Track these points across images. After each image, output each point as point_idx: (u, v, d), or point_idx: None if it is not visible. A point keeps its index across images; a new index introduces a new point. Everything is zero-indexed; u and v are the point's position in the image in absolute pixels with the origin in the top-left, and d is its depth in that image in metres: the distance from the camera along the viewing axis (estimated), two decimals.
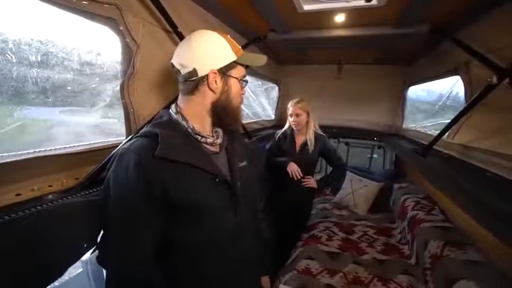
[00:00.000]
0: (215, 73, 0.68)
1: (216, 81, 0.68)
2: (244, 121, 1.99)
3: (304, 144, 1.85)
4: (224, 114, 0.72)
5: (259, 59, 0.76)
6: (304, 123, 1.82)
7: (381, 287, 1.45)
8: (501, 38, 1.04)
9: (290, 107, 1.82)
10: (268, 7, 1.31)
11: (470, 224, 1.46)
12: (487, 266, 1.21)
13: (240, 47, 0.73)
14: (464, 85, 1.35)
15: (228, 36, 0.72)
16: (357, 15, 1.39)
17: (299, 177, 1.78)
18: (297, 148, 1.86)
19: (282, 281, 1.50)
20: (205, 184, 0.66)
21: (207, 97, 0.70)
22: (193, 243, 0.67)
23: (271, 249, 1.01)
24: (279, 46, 2.03)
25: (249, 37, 1.74)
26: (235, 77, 0.71)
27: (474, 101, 1.06)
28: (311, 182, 1.86)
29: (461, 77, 1.38)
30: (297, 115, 1.79)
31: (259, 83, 2.65)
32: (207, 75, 0.67)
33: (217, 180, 0.68)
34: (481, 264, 1.22)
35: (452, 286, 1.15)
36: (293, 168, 1.77)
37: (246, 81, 0.76)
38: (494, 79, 0.92)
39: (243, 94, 0.77)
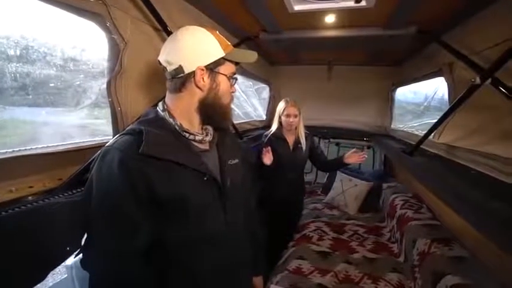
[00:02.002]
0: (202, 70, 0.66)
1: (203, 79, 0.66)
2: (235, 121, 1.98)
3: (297, 143, 1.87)
4: (213, 112, 0.70)
5: (250, 56, 0.75)
6: (298, 122, 1.84)
7: (371, 285, 1.46)
8: (484, 40, 1.07)
9: (286, 108, 1.81)
10: (259, 7, 1.32)
11: (455, 221, 1.50)
12: (471, 261, 1.24)
13: (229, 43, 0.71)
14: (448, 86, 1.39)
15: (217, 32, 0.70)
16: (346, 16, 1.41)
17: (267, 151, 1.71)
18: (291, 147, 1.87)
19: (273, 281, 1.50)
20: (192, 182, 0.65)
21: (194, 95, 0.68)
22: (181, 242, 0.65)
23: (263, 249, 1.00)
24: (271, 46, 2.04)
25: (241, 37, 1.73)
26: (223, 74, 0.70)
27: (458, 101, 1.09)
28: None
29: (445, 78, 1.42)
30: (295, 116, 1.80)
31: (250, 83, 2.65)
32: (193, 72, 0.66)
33: (205, 178, 0.66)
34: (465, 259, 1.25)
35: (438, 282, 1.17)
36: (264, 153, 1.72)
37: (236, 79, 0.75)
38: (478, 80, 0.95)
39: (233, 92, 0.75)
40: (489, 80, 0.90)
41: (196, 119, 0.70)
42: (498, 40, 0.98)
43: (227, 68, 0.70)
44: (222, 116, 0.73)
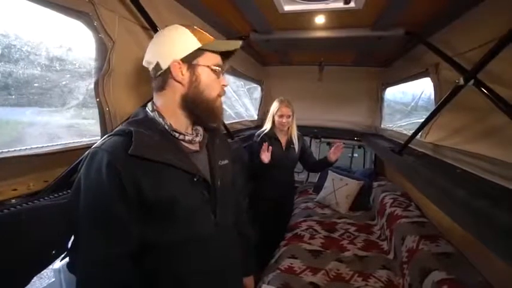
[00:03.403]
0: (178, 63, 0.65)
1: (181, 72, 0.65)
2: (227, 121, 1.98)
3: (289, 143, 1.89)
4: (195, 107, 0.68)
5: (232, 44, 0.70)
6: (291, 122, 1.86)
7: (362, 283, 1.49)
8: (468, 42, 1.11)
9: (280, 108, 1.82)
10: (249, 7, 1.32)
11: (442, 218, 1.55)
12: (456, 256, 1.28)
13: (208, 35, 0.69)
14: (434, 86, 1.43)
15: (195, 27, 0.69)
16: (336, 17, 1.43)
17: (267, 149, 1.70)
18: (283, 147, 1.88)
19: (265, 280, 1.50)
20: (182, 183, 0.64)
21: (176, 91, 0.67)
22: (170, 244, 0.64)
23: (254, 250, 1.01)
24: (262, 46, 2.04)
25: (231, 37, 1.73)
26: (203, 65, 0.67)
27: (443, 101, 1.12)
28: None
29: (431, 79, 1.46)
30: (288, 116, 1.82)
31: (242, 83, 2.65)
32: (170, 67, 0.65)
33: (195, 179, 0.66)
34: (451, 255, 1.29)
35: (426, 277, 1.21)
36: (264, 150, 1.70)
37: (221, 68, 0.70)
38: (461, 80, 0.97)
39: (224, 85, 0.71)
40: (472, 81, 0.93)
41: (182, 117, 0.69)
42: (481, 42, 1.01)
43: (207, 59, 0.67)
44: (208, 112, 0.70)
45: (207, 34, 0.69)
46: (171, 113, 0.68)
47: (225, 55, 0.73)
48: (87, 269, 0.58)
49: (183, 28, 0.67)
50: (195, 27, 0.68)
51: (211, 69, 0.68)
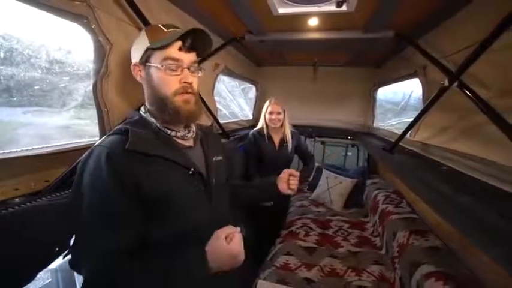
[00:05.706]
0: (136, 66, 0.71)
1: (140, 75, 0.70)
2: (222, 121, 2.00)
3: (282, 142, 1.92)
4: (155, 105, 0.69)
5: (176, 33, 0.66)
6: (282, 120, 1.90)
7: (355, 277, 1.53)
8: (453, 45, 1.16)
9: (270, 106, 1.88)
10: (244, 9, 1.35)
11: (429, 214, 1.60)
12: (444, 250, 1.33)
13: (163, 32, 0.67)
14: (422, 87, 1.49)
15: (159, 24, 0.69)
16: (329, 19, 1.47)
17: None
18: (276, 146, 1.92)
19: (261, 277, 1.53)
20: (177, 177, 0.67)
21: (145, 91, 0.72)
22: (168, 238, 0.66)
23: (250, 247, 1.02)
24: (256, 47, 2.07)
25: (226, 38, 1.76)
26: (154, 64, 0.67)
27: (430, 102, 1.17)
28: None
29: (420, 79, 1.51)
30: (278, 113, 1.87)
31: (236, 83, 2.67)
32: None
33: (190, 172, 0.68)
34: (440, 249, 1.34)
35: (416, 271, 1.25)
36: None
37: (178, 62, 0.67)
38: (446, 82, 1.02)
39: (186, 82, 0.68)
40: (456, 83, 0.97)
41: (161, 115, 0.70)
42: (468, 44, 1.05)
43: (158, 56, 0.66)
44: (167, 111, 0.68)
45: (163, 30, 0.67)
46: (155, 112, 0.71)
47: (198, 48, 0.71)
48: (92, 265, 0.59)
49: (144, 30, 0.71)
50: (159, 25, 0.70)
51: (162, 66, 0.66)
